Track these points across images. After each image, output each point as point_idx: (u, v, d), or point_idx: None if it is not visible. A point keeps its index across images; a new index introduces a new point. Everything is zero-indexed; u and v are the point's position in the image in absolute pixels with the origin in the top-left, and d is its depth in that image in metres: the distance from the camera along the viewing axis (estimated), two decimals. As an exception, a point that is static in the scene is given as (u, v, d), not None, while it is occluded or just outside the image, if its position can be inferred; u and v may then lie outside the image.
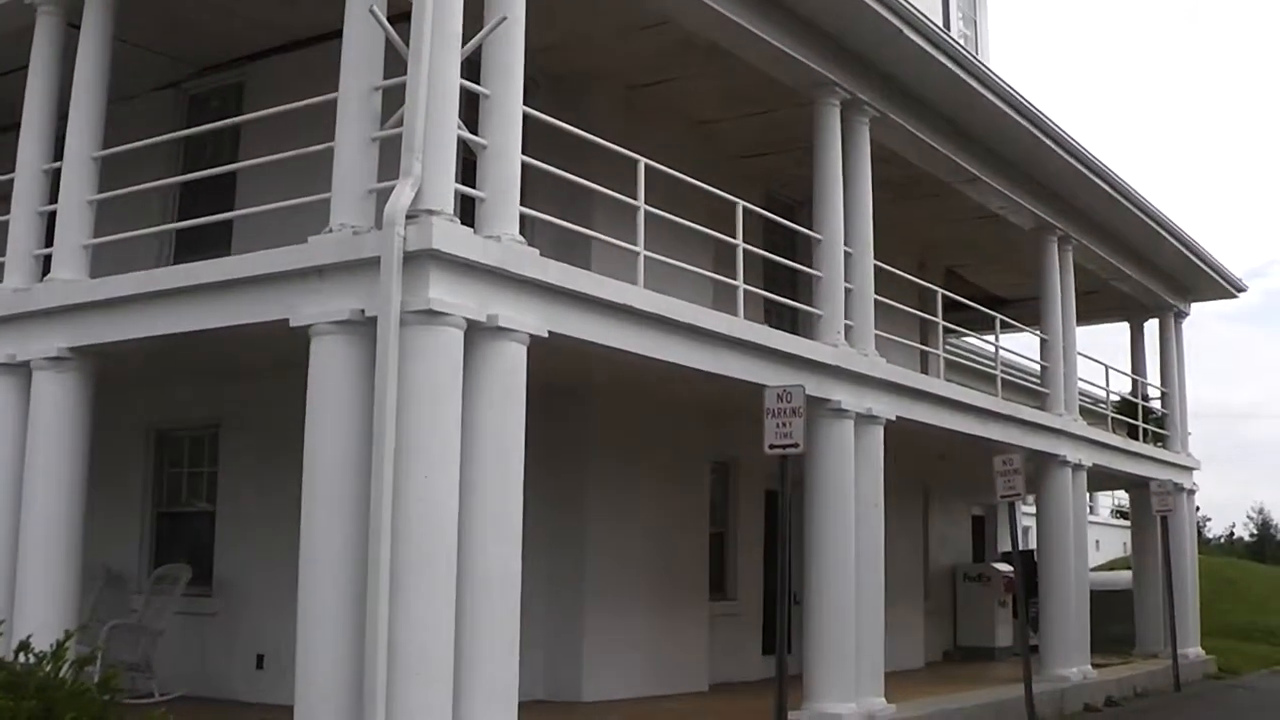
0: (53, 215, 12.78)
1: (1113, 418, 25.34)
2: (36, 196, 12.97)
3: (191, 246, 14.72)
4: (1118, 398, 27.27)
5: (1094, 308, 25.42)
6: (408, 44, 10.19)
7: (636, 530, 16.21)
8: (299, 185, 11.19)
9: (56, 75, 13.10)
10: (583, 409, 15.56)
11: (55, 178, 12.81)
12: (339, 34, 10.80)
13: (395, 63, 10.41)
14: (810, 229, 15.52)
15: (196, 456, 16.45)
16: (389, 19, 10.54)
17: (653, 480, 16.49)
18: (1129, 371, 27.41)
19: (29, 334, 12.44)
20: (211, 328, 11.27)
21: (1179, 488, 26.04)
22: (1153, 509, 24.57)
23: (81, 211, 12.53)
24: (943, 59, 16.01)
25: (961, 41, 21.21)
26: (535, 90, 11.67)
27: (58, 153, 12.88)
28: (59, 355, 12.17)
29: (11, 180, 13.15)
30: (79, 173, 12.56)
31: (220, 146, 15.20)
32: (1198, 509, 31.21)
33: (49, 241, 12.73)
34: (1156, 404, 27.82)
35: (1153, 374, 27.75)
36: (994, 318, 21.01)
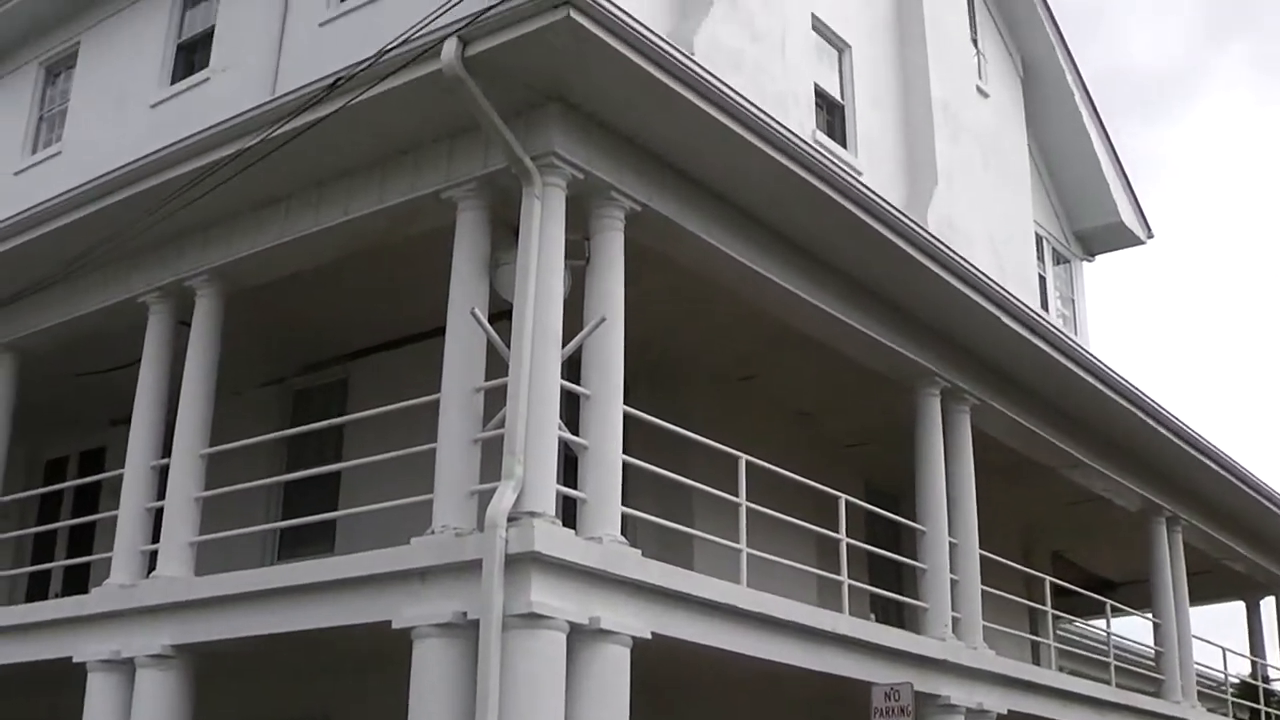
0: (159, 510, 12.92)
1: (1233, 701, 24.48)
2: (144, 492, 13.15)
3: (296, 540, 14.85)
4: (1237, 680, 26.42)
5: (1207, 587, 24.69)
6: (508, 343, 10.35)
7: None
8: (402, 481, 11.29)
9: (166, 370, 13.44)
10: (686, 704, 15.20)
11: (163, 472, 13.00)
12: (441, 331, 11.01)
13: (496, 360, 10.56)
14: (913, 519, 15.32)
15: (297, 752, 16.20)
16: (490, 317, 10.74)
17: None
18: (1247, 653, 26.61)
19: (133, 630, 12.47)
20: (314, 628, 11.24)
21: (1305, 774, 24.98)
22: (1279, 798, 23.58)
23: (188, 508, 12.68)
24: (1042, 345, 15.93)
25: (1060, 323, 21.27)
26: (633, 382, 11.74)
27: (165, 447, 13.09)
28: (162, 653, 12.13)
29: (120, 476, 13.39)
30: (186, 469, 12.75)
31: (324, 442, 15.34)
32: (1326, 793, 29.92)
33: (155, 537, 12.85)
34: (1278, 684, 26.91)
35: (1272, 653, 26.90)
36: (1104, 603, 20.50)
